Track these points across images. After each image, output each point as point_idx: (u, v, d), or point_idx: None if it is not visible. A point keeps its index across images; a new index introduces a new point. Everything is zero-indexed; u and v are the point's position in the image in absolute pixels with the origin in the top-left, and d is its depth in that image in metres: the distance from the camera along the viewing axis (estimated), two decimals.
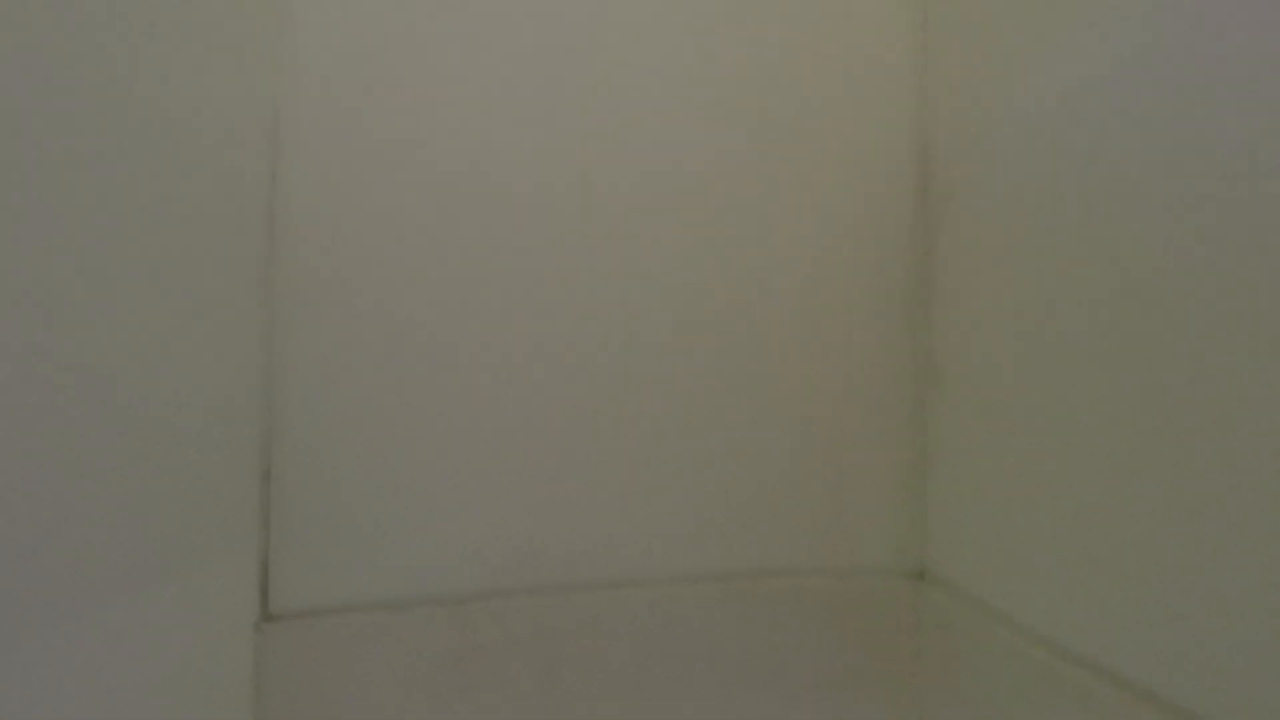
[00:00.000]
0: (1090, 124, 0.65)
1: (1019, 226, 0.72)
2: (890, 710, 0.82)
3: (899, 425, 0.83)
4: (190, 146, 0.70)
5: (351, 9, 0.81)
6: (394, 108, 0.82)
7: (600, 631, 0.84)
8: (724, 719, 0.84)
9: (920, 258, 0.83)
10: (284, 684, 0.77)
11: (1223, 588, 0.50)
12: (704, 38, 0.88)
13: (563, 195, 0.85)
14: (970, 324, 0.75)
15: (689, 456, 0.85)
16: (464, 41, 0.84)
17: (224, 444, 0.75)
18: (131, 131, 0.61)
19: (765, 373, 0.85)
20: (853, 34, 0.90)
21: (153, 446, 0.66)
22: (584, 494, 0.85)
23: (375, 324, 0.81)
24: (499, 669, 0.82)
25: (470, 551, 0.83)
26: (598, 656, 0.83)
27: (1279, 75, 0.49)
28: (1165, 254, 0.56)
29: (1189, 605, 0.51)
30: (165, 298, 0.68)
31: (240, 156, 0.78)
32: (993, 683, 0.67)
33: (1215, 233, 0.53)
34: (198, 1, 0.70)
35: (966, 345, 0.75)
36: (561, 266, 0.84)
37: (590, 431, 0.85)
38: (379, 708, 0.79)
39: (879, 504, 0.84)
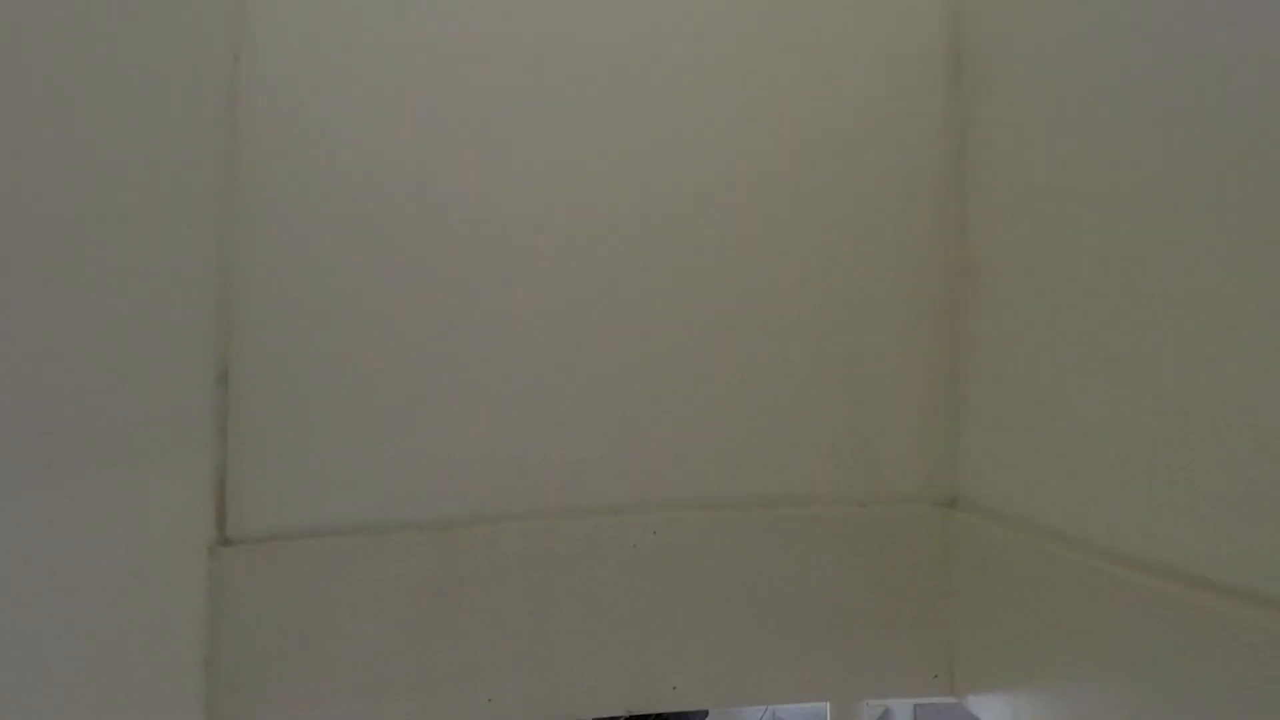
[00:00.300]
0: None
1: (1062, 100, 0.64)
2: (917, 650, 0.75)
3: (929, 332, 0.75)
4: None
5: None
6: None
7: (597, 561, 0.76)
8: (732, 658, 0.77)
9: (953, 140, 0.75)
10: (242, 616, 0.69)
11: None
12: None
13: (575, 47, 0.76)
14: (1011, 208, 0.67)
15: (695, 369, 0.77)
16: None
17: (170, 335, 0.66)
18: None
19: (780, 273, 0.76)
20: None
21: (81, 327, 0.57)
22: (581, 410, 0.76)
23: (353, 198, 0.72)
24: (485, 601, 0.74)
25: (455, 472, 0.74)
26: (594, 588, 0.75)
27: None
28: (1224, 123, 0.48)
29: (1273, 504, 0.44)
30: (108, 155, 0.59)
31: (200, 25, 0.68)
32: (1042, 613, 0.60)
33: (1271, 98, 0.45)
34: None
35: (1008, 233, 0.67)
36: (569, 137, 0.75)
37: (590, 341, 0.76)
38: (351, 644, 0.71)
39: (906, 424, 0.76)
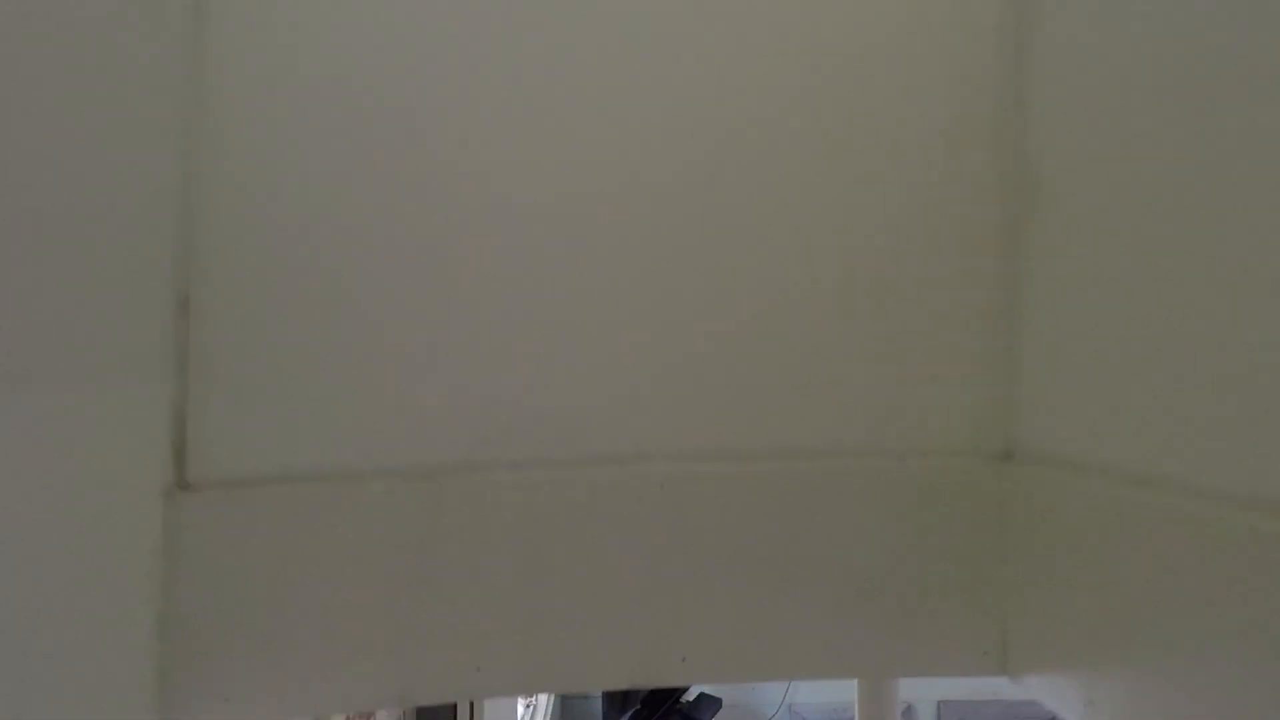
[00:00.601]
0: None
1: None
2: (962, 622, 0.66)
3: (981, 258, 0.66)
4: None
5: None
6: None
7: (599, 517, 0.68)
8: (749, 628, 0.69)
9: (1011, 32, 0.65)
10: (201, 570, 0.62)
11: None
12: None
13: None
14: (1082, 108, 0.58)
15: (710, 301, 0.68)
16: None
17: (124, 252, 0.59)
18: None
19: (808, 191, 0.68)
20: None
21: (18, 239, 0.50)
22: (584, 348, 0.68)
23: (333, 105, 0.65)
24: (474, 558, 0.66)
25: (442, 414, 0.67)
26: (596, 547, 0.68)
27: None
28: None
29: None
30: (57, 53, 0.52)
31: None
32: (1131, 573, 0.51)
33: None
34: None
35: (1077, 138, 0.58)
36: (583, 31, 0.67)
37: (595, 271, 0.68)
38: (324, 603, 0.64)
39: (953, 366, 0.67)
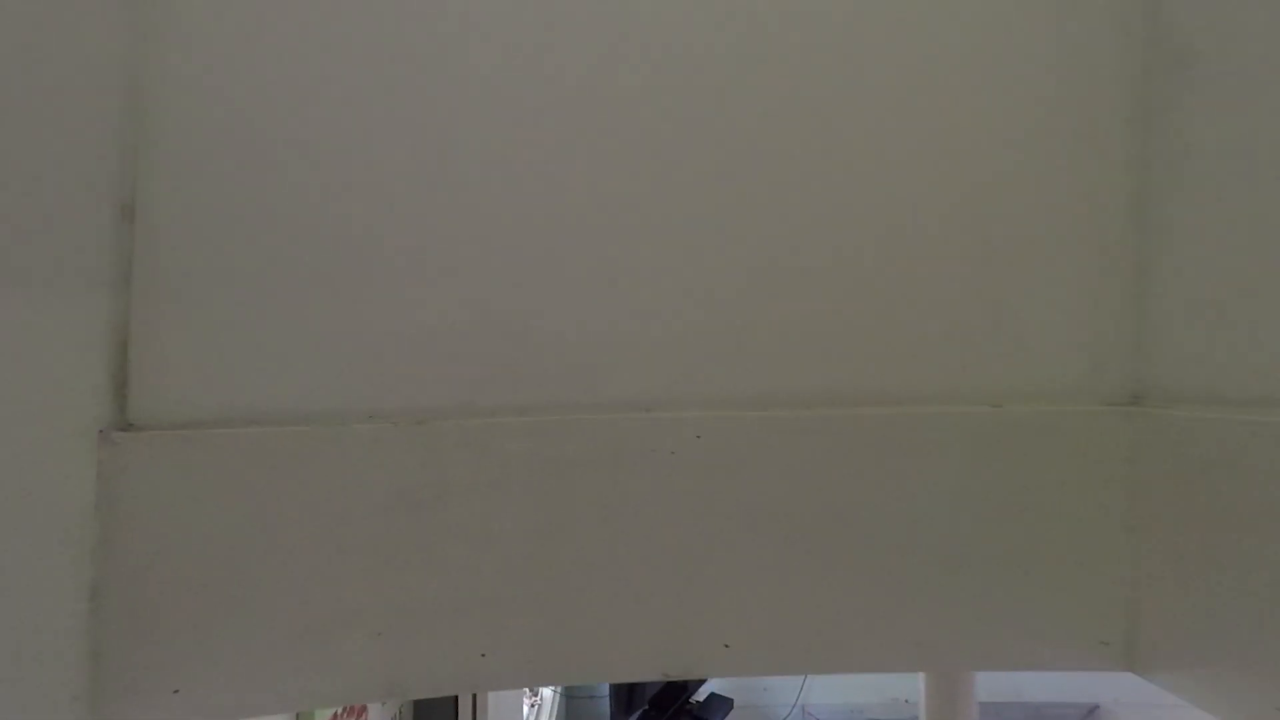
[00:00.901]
0: None
1: None
2: (1076, 605, 0.54)
3: (1103, 160, 0.54)
4: None
5: None
6: None
7: (624, 471, 0.57)
8: (804, 610, 0.57)
9: None
10: (144, 526, 0.51)
11: None
12: None
13: None
14: None
15: (757, 211, 0.57)
16: None
17: (60, 150, 0.48)
18: None
19: (886, 73, 0.57)
20: None
21: None
22: (608, 274, 0.57)
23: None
24: (477, 519, 0.55)
25: (439, 347, 0.56)
26: (619, 508, 0.57)
27: None
28: None
29: None
30: None
31: None
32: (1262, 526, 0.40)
33: None
34: None
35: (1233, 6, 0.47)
36: None
37: (625, 178, 0.57)
38: (296, 570, 0.53)
39: (1064, 291, 0.56)
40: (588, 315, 0.57)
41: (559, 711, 2.74)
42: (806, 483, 0.57)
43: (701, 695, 2.96)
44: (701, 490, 0.57)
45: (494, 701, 1.47)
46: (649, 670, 0.56)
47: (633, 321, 0.58)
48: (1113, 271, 0.55)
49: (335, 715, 0.92)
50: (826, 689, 3.18)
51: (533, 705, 2.51)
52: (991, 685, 2.93)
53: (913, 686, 3.16)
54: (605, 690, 2.59)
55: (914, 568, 0.56)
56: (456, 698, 1.39)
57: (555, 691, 2.73)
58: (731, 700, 2.94)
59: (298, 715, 0.91)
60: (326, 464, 0.54)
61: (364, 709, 1.03)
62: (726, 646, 0.57)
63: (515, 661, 0.55)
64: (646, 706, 2.65)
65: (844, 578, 0.57)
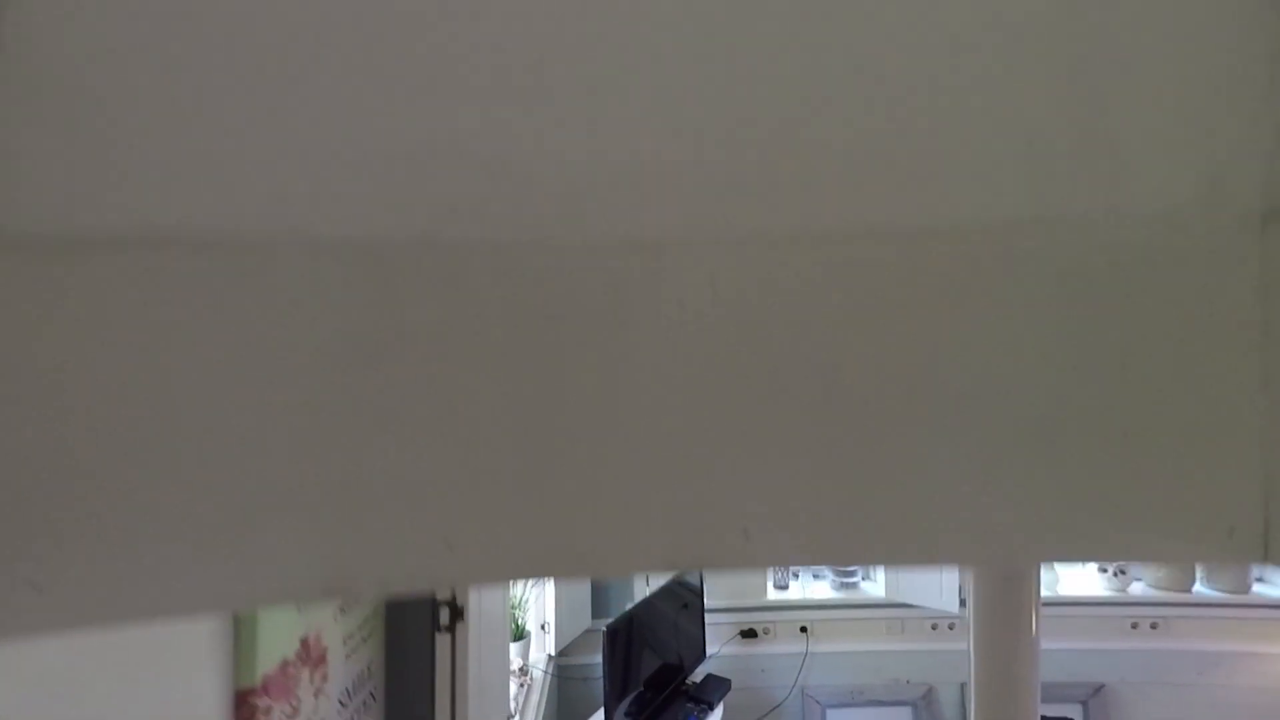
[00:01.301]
0: None
1: None
2: (1193, 481, 0.43)
3: None
4: None
5: None
6: None
7: (623, 324, 0.46)
8: (841, 490, 0.47)
9: None
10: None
11: None
12: None
13: None
14: None
15: None
16: None
17: None
18: None
19: None
20: None
21: None
22: (603, 76, 0.46)
23: None
24: (443, 376, 0.44)
25: (391, 160, 0.44)
26: (617, 368, 0.46)
27: None
28: None
29: None
30: None
31: None
32: None
33: None
34: None
35: None
36: None
37: None
38: (206, 423, 0.41)
39: (1172, 80, 0.45)
40: (577, 140, 0.46)
41: (550, 692, 2.63)
42: (847, 334, 0.46)
43: (698, 676, 2.86)
44: (717, 347, 0.46)
45: (475, 671, 1.36)
46: (653, 562, 0.45)
47: (632, 147, 0.46)
48: (1234, 54, 0.44)
49: (285, 662, 0.80)
50: (825, 670, 3.09)
51: (522, 685, 2.41)
52: None
53: (914, 666, 3.07)
54: (599, 672, 2.48)
55: (987, 438, 0.45)
56: (433, 665, 1.27)
57: (545, 672, 2.62)
58: (729, 681, 2.84)
59: (239, 674, 0.79)
60: (247, 300, 0.42)
61: (322, 658, 0.91)
62: (745, 531, 0.46)
63: (489, 552, 0.44)
64: (642, 688, 2.55)
65: (900, 449, 0.46)
